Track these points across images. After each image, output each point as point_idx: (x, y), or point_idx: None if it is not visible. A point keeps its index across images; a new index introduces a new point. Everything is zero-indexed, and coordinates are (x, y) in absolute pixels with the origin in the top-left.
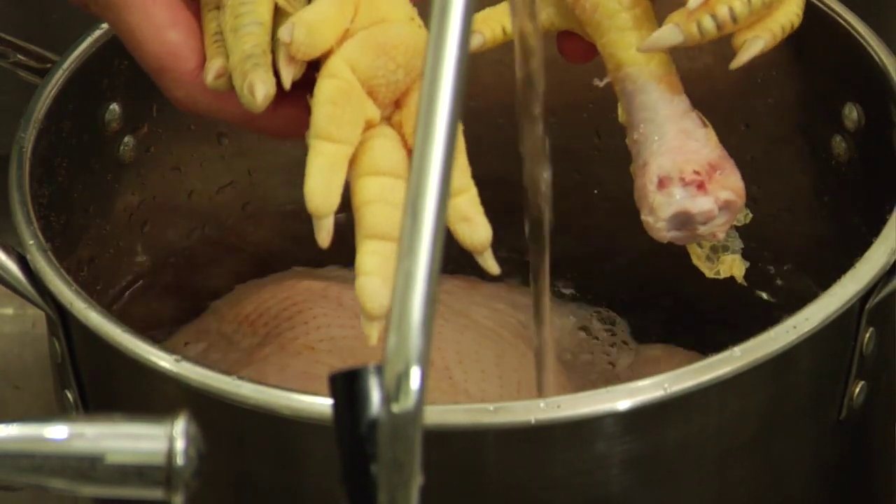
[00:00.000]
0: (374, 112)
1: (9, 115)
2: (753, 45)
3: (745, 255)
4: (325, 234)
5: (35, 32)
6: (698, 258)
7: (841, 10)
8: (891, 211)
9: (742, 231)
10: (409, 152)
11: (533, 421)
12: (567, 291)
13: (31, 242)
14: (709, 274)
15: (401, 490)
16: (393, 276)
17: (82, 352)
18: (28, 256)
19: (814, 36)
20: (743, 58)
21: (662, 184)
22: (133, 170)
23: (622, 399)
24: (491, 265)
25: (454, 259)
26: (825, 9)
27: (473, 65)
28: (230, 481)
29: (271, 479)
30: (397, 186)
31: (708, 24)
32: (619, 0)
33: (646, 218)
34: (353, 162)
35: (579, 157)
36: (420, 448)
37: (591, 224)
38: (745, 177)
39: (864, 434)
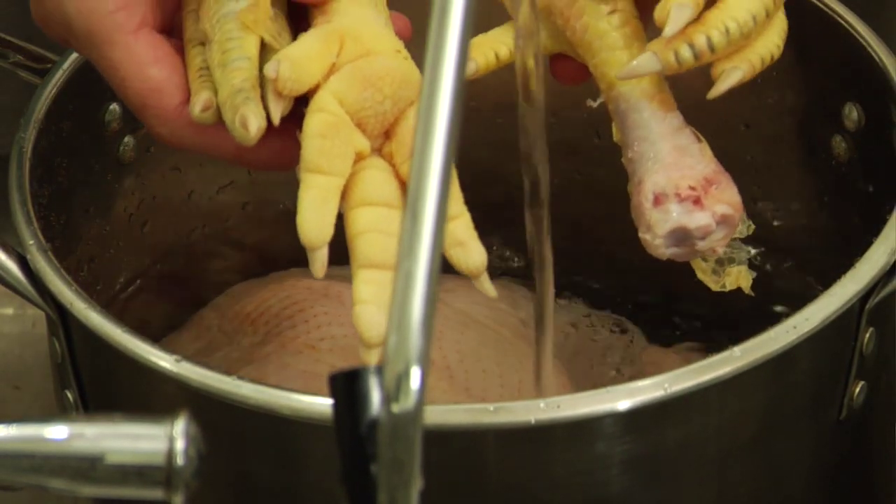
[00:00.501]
0: (363, 144)
1: (9, 115)
2: (731, 76)
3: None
4: (319, 266)
5: (35, 32)
6: (703, 272)
7: (841, 10)
8: (891, 211)
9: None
10: (401, 183)
11: (533, 421)
12: (568, 291)
13: (31, 242)
14: (714, 288)
15: (401, 490)
16: (390, 303)
17: (82, 352)
18: (28, 256)
19: (814, 36)
20: (720, 88)
21: (658, 201)
22: (133, 170)
23: (622, 399)
24: (487, 288)
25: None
26: (825, 9)
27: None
28: (230, 481)
29: (271, 479)
30: (390, 216)
31: (685, 53)
32: (609, 20)
33: (643, 235)
34: (345, 194)
35: (579, 157)
36: (420, 448)
37: (591, 224)
38: (745, 177)
39: (864, 434)
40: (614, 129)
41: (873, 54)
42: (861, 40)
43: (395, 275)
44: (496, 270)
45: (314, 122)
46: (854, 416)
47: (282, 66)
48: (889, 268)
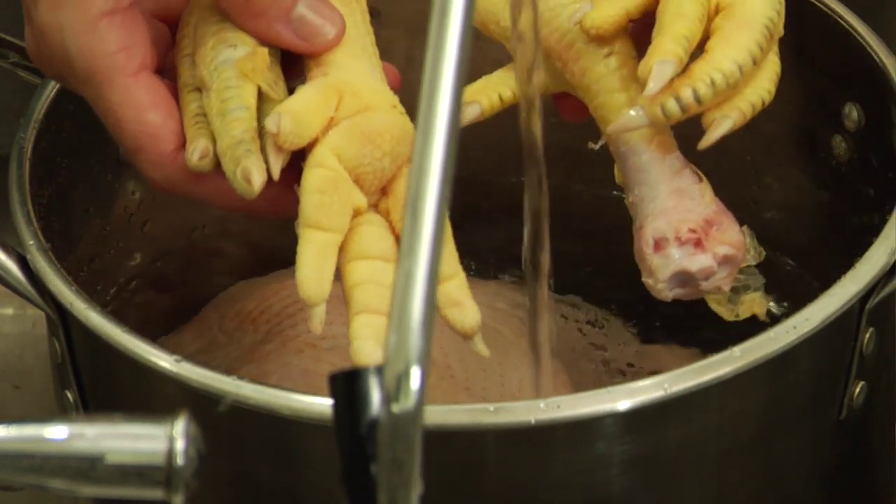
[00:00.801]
0: (361, 200)
1: (9, 115)
2: (721, 125)
3: None
4: (317, 322)
5: None
6: (718, 303)
7: (841, 10)
8: (891, 211)
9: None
10: (398, 238)
11: (533, 421)
12: (567, 290)
13: (31, 242)
14: (728, 318)
15: (401, 490)
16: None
17: (82, 352)
18: (28, 256)
19: (814, 36)
20: (711, 137)
21: (658, 246)
22: (133, 170)
23: (622, 399)
24: (481, 349)
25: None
26: (825, 9)
27: (473, 66)
28: (230, 481)
29: (271, 479)
30: (388, 269)
31: (672, 107)
32: (606, 63)
33: (646, 280)
34: (341, 248)
35: (579, 157)
36: (420, 448)
37: (590, 223)
38: (745, 177)
39: (864, 434)
40: (616, 171)
41: (873, 54)
42: (861, 40)
43: (395, 275)
44: (496, 270)
45: (313, 178)
46: (854, 416)
47: (283, 121)
48: (889, 268)
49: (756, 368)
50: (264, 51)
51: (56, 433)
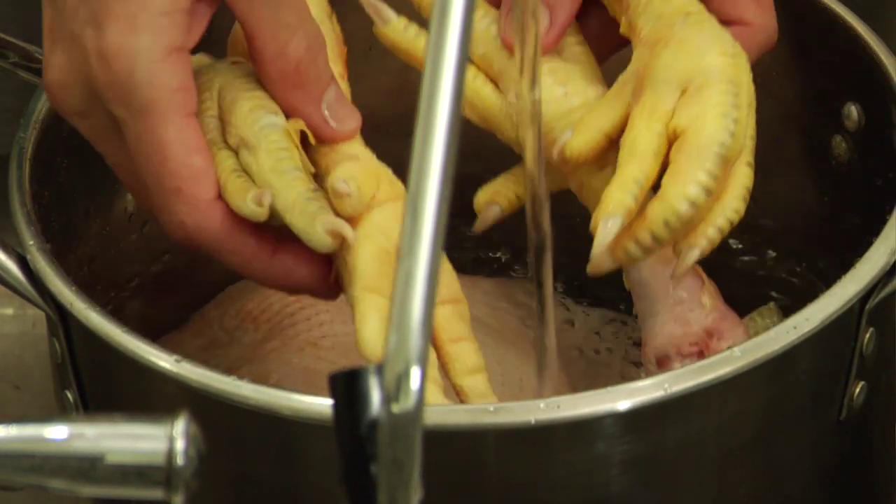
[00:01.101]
0: None
1: (9, 115)
2: (689, 256)
3: (745, 253)
4: None
5: (35, 32)
6: None
7: (841, 10)
8: (891, 211)
9: (743, 229)
10: None
11: (533, 421)
12: (570, 290)
13: (31, 242)
14: None
15: (401, 490)
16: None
17: (82, 352)
18: (28, 256)
19: (814, 36)
20: (681, 269)
21: (662, 363)
22: None
23: (622, 399)
24: None
25: (455, 259)
26: (825, 9)
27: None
28: (230, 481)
29: (271, 479)
30: None
31: (634, 249)
32: (601, 177)
33: None
34: None
35: None
36: (420, 448)
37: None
38: None
39: (864, 434)
40: (624, 278)
41: (873, 54)
42: (861, 40)
43: (395, 275)
44: (496, 268)
45: (369, 247)
46: (854, 416)
47: (352, 185)
48: (889, 268)
49: (756, 368)
50: (301, 121)
51: (56, 433)
